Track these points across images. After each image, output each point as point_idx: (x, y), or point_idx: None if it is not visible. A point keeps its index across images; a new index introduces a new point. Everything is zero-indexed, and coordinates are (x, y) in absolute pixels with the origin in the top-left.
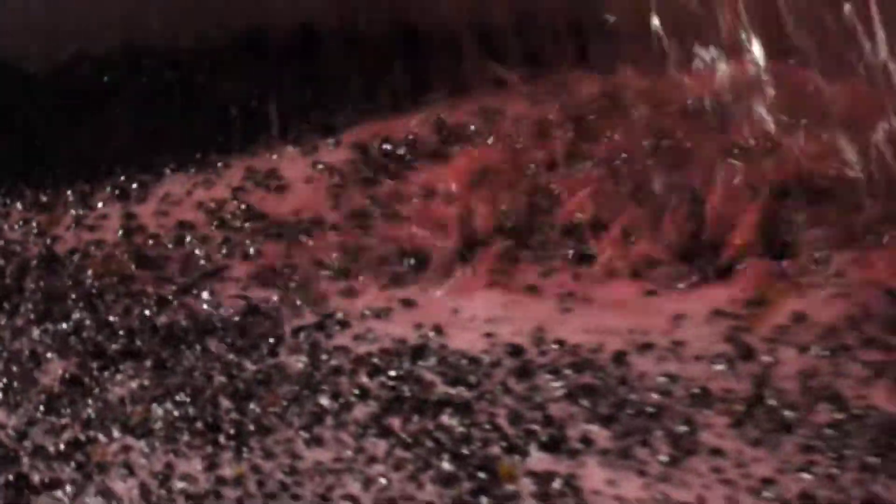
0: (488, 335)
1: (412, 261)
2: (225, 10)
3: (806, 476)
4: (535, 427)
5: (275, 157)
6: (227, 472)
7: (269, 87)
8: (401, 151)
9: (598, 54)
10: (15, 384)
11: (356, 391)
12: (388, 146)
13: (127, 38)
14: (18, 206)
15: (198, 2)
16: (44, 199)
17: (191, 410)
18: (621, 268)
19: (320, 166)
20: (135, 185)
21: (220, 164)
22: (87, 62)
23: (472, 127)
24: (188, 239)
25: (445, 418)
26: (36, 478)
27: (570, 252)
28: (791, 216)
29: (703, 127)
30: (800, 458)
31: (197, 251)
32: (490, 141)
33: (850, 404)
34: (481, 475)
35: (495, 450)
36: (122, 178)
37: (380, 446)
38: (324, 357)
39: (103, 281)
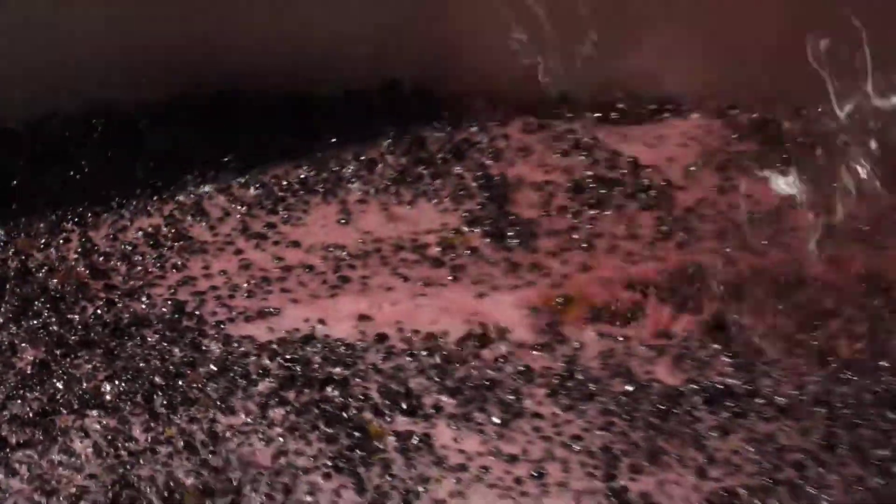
0: (360, 326)
1: (300, 270)
2: (162, 78)
3: (605, 433)
4: (398, 397)
5: (198, 193)
6: (160, 433)
7: (195, 138)
8: (295, 188)
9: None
10: None
11: (260, 370)
12: (285, 182)
13: (84, 100)
14: (1, 232)
15: (144, 72)
16: (21, 226)
17: (132, 386)
18: (463, 273)
19: (232, 200)
20: (90, 216)
21: (155, 199)
22: (55, 119)
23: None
24: (131, 256)
25: (328, 391)
26: (13, 439)
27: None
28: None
29: None
30: (601, 419)
31: (138, 265)
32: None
33: (638, 378)
34: (356, 434)
35: (367, 415)
36: (81, 210)
37: (278, 413)
38: (235, 344)
39: (65, 288)
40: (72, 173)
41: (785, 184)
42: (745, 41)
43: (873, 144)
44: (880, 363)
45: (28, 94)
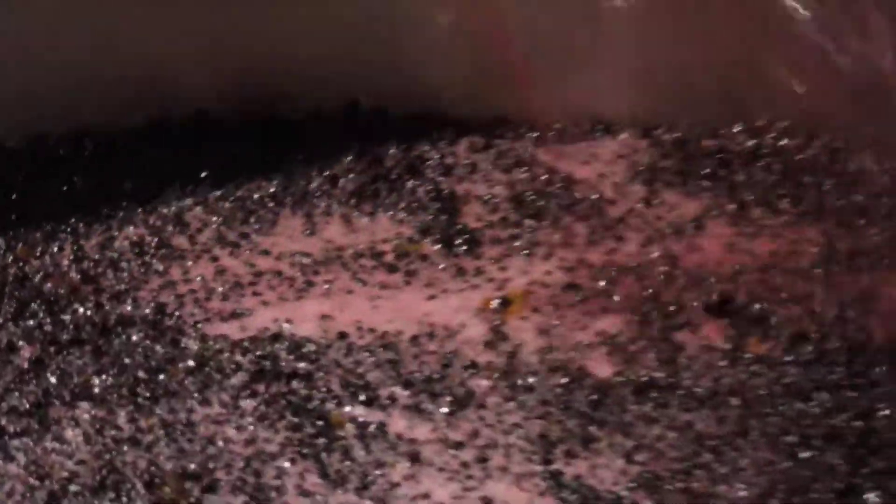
0: (323, 326)
1: (269, 276)
2: (145, 102)
3: (543, 422)
4: (357, 389)
5: (179, 205)
6: (143, 423)
7: (176, 156)
8: (266, 202)
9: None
10: None
11: (233, 365)
12: (256, 196)
13: (76, 123)
14: (1, 242)
15: (129, 97)
16: (19, 236)
17: (118, 380)
18: (416, 278)
19: (209, 212)
20: (81, 227)
21: (140, 211)
22: (50, 139)
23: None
24: (118, 263)
25: (294, 384)
26: (10, 428)
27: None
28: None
29: None
30: (539, 409)
31: (124, 271)
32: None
33: (572, 371)
34: (319, 423)
35: (329, 405)
36: (73, 221)
37: (249, 404)
38: (210, 342)
39: (59, 292)
40: (65, 188)
41: (704, 195)
42: (666, 71)
43: (775, 164)
44: (787, 359)
45: (26, 117)
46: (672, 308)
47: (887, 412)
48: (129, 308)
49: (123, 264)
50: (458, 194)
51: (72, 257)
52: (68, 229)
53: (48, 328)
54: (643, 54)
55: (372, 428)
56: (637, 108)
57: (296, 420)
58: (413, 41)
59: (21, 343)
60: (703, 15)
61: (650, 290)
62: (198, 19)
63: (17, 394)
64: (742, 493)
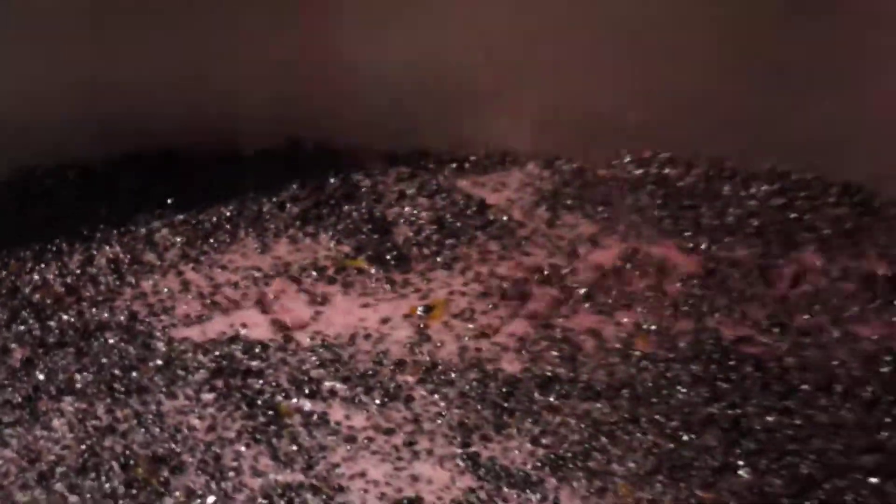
0: (273, 330)
1: (227, 287)
2: (119, 137)
3: (462, 411)
4: (302, 384)
5: (147, 229)
6: (119, 413)
7: (146, 185)
8: (224, 224)
9: None
10: None
11: (195, 364)
12: (215, 219)
13: (60, 156)
14: None
15: (105, 133)
16: (11, 255)
17: (97, 377)
18: (353, 289)
19: (175, 233)
20: (65, 245)
21: (116, 233)
22: (37, 171)
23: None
24: (97, 277)
25: (248, 380)
26: (5, 419)
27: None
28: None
29: None
30: (458, 400)
31: (102, 284)
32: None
33: (487, 368)
34: (270, 413)
35: (279, 398)
36: (58, 241)
37: (209, 397)
38: (176, 344)
39: (45, 301)
40: (51, 213)
41: (598, 217)
42: (567, 111)
43: (659, 190)
44: (669, 356)
45: (16, 153)
46: (571, 313)
47: (754, 401)
48: (106, 315)
49: (101, 278)
50: (388, 217)
51: (57, 272)
52: (54, 248)
53: (37, 332)
54: (546, 97)
55: (315, 417)
56: (541, 142)
57: (250, 410)
58: (346, 84)
59: (13, 345)
60: (595, 63)
61: (552, 298)
62: (166, 69)
63: (10, 389)
64: (633, 471)
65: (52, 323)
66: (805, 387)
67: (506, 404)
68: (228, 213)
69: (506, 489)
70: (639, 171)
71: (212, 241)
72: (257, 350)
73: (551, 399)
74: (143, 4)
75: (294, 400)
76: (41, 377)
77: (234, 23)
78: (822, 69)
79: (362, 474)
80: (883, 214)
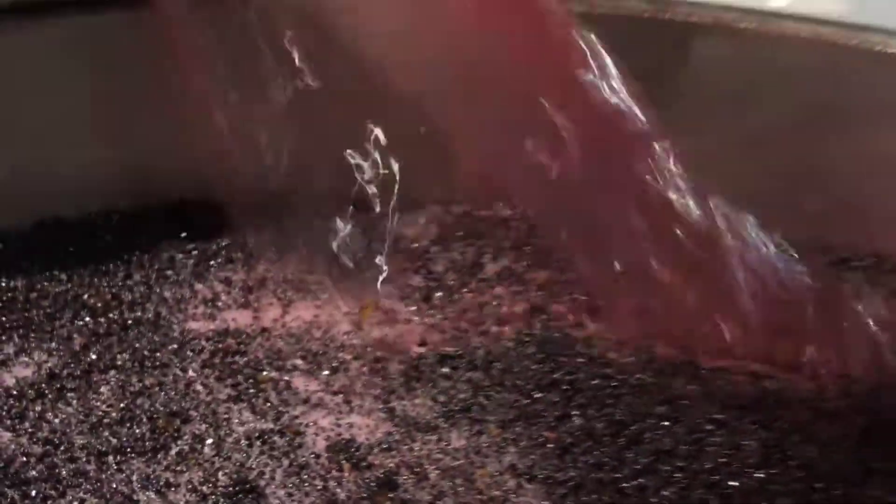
0: (253, 324)
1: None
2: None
3: (382, 379)
4: (273, 360)
5: (168, 254)
6: (146, 382)
7: (167, 222)
8: (218, 255)
9: None
10: None
11: (200, 347)
12: (211, 250)
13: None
14: None
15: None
16: (73, 273)
17: (132, 357)
18: (308, 296)
19: (185, 258)
20: (111, 266)
21: (146, 257)
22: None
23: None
24: (132, 288)
25: (236, 358)
26: (67, 386)
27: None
28: None
29: None
30: (381, 371)
31: (136, 292)
32: None
33: (402, 349)
34: (250, 381)
35: (257, 370)
36: (106, 264)
37: (209, 371)
38: (187, 334)
39: (97, 304)
40: (102, 244)
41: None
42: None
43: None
44: (526, 339)
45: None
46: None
47: (583, 370)
48: (139, 314)
49: (136, 288)
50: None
51: (105, 284)
52: (103, 268)
53: (91, 326)
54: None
55: (282, 384)
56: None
57: (236, 379)
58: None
59: (75, 335)
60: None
61: (455, 298)
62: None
63: (72, 365)
64: (500, 419)
65: (101, 319)
66: (620, 360)
67: (414, 374)
68: (224, 242)
69: (414, 432)
70: (506, 213)
71: (212, 263)
72: (242, 338)
73: (446, 370)
74: None
75: (266, 372)
76: (94, 357)
77: None
78: None
79: (314, 423)
80: None
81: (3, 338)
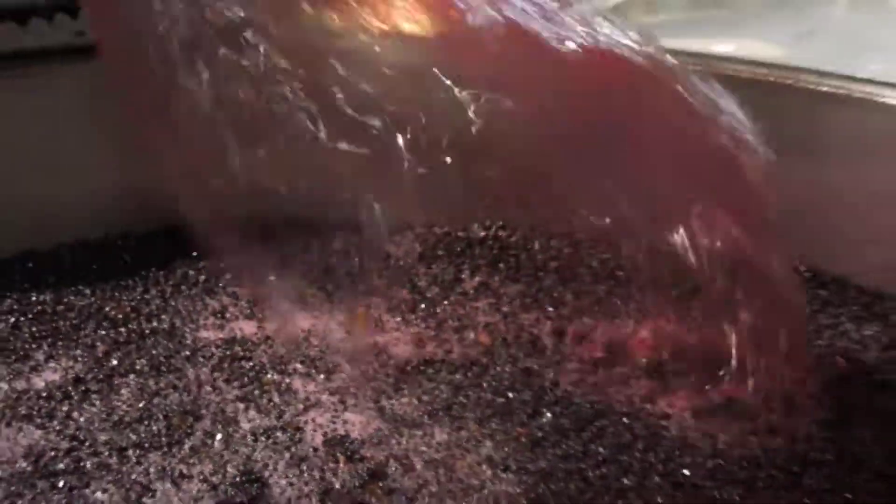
0: (257, 333)
1: (231, 309)
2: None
3: (373, 381)
4: (276, 365)
5: (181, 271)
6: (162, 384)
7: (179, 245)
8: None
9: None
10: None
11: (210, 353)
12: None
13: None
14: None
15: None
16: (97, 288)
17: (149, 362)
18: (307, 307)
19: (196, 274)
20: (131, 282)
21: (161, 273)
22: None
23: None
24: (150, 301)
25: (243, 363)
26: (91, 388)
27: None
28: None
29: None
30: (371, 373)
31: (153, 304)
32: None
33: (391, 353)
34: (256, 383)
35: (262, 374)
36: (126, 280)
37: (219, 374)
38: (199, 342)
39: (118, 316)
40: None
41: (457, 261)
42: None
43: (496, 245)
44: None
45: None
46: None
47: (550, 374)
48: (155, 324)
49: (153, 301)
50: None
51: (124, 298)
52: (123, 283)
53: (113, 335)
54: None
55: (283, 386)
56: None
57: (243, 381)
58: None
59: (98, 343)
60: None
61: (437, 310)
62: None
63: (96, 370)
64: (479, 416)
65: (122, 329)
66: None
67: (401, 376)
68: (231, 261)
69: (401, 428)
70: (483, 233)
71: (220, 279)
72: (248, 345)
73: (429, 373)
74: None
75: (270, 375)
76: (115, 362)
77: None
78: None
79: (313, 420)
80: None
81: (34, 346)
